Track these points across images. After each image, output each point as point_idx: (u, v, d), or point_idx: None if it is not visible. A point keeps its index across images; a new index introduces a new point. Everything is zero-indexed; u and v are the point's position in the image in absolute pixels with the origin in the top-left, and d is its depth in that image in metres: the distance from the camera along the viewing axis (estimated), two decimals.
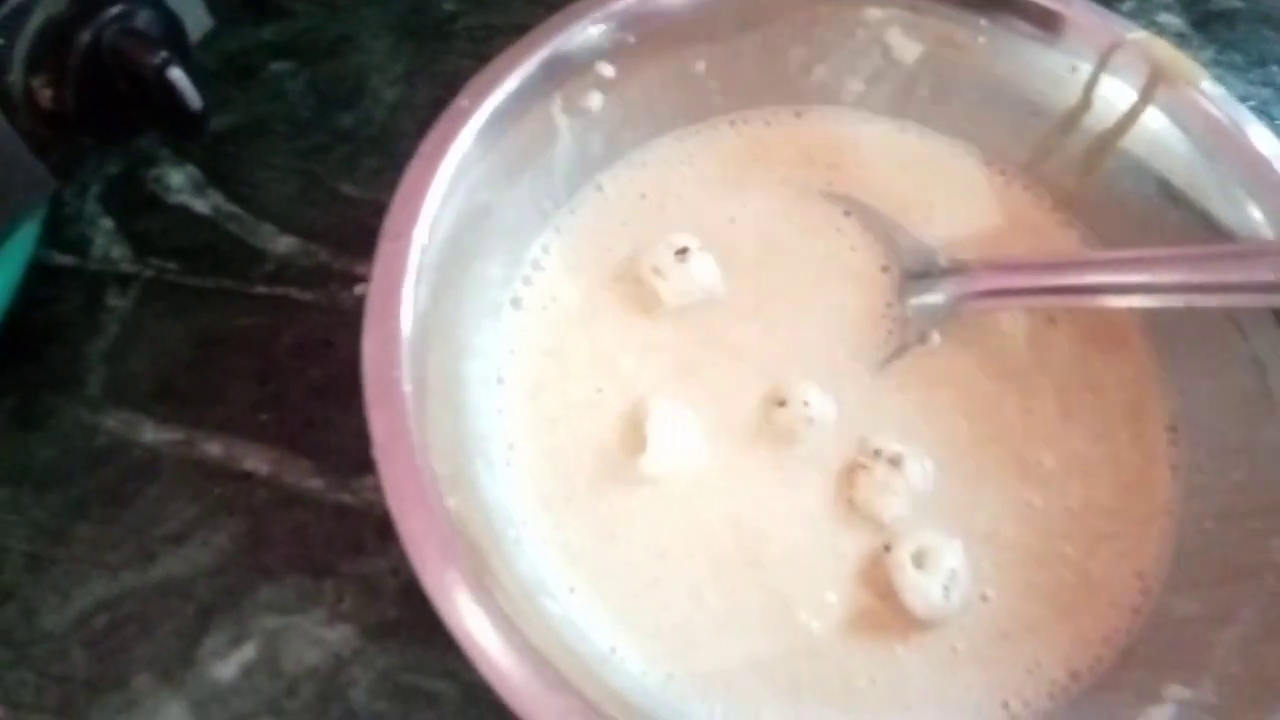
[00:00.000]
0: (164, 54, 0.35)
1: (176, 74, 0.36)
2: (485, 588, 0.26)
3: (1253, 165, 0.34)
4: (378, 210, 0.44)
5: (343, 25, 0.51)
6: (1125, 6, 0.52)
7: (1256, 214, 0.34)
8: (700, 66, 0.40)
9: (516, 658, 0.26)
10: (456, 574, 0.26)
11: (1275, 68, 0.50)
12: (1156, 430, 0.36)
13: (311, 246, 0.44)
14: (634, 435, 0.35)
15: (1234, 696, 0.27)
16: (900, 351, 0.37)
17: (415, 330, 0.30)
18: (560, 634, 0.30)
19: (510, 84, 0.34)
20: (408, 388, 0.28)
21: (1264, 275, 0.32)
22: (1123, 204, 0.38)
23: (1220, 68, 0.50)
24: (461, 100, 0.34)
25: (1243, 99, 0.49)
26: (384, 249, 0.30)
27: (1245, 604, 0.30)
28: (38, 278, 0.41)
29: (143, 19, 0.36)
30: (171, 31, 0.38)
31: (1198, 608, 0.31)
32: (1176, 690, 0.28)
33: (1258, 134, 0.35)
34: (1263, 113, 0.48)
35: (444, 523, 0.27)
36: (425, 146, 0.33)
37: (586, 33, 0.36)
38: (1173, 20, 0.52)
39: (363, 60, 0.50)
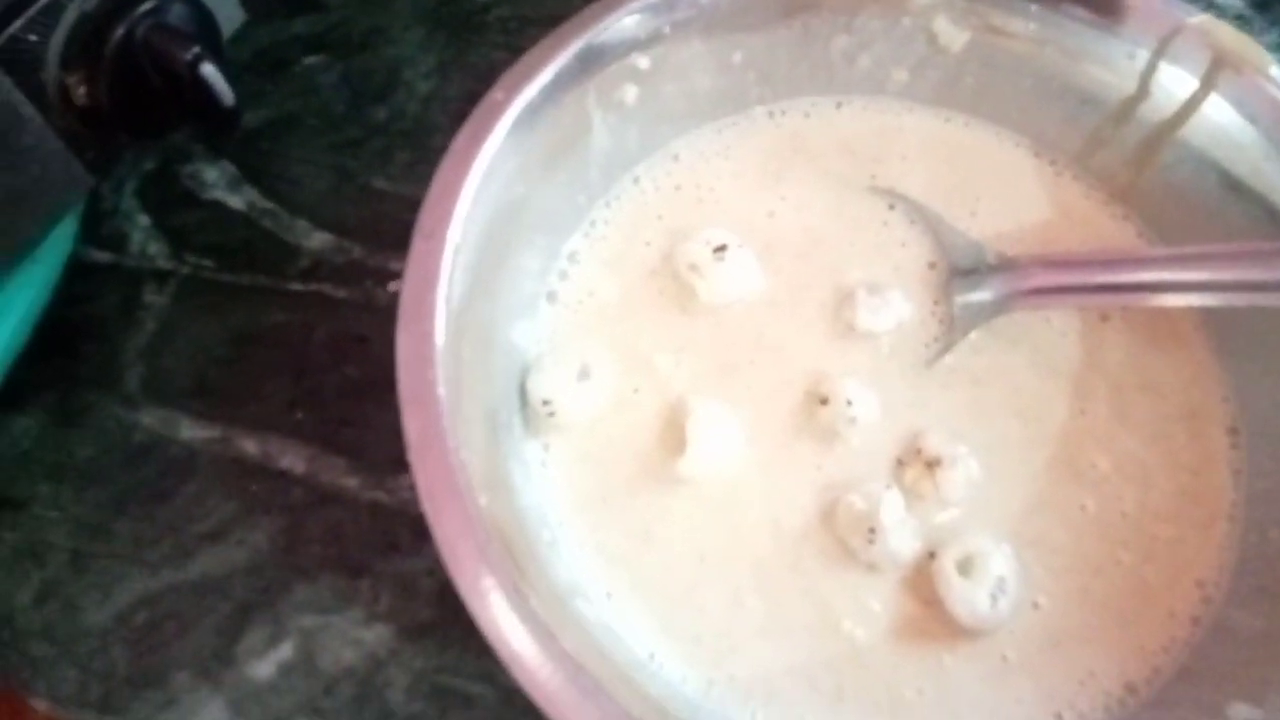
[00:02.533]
0: (196, 50, 0.35)
1: (209, 70, 0.35)
2: (520, 592, 0.26)
3: None
4: (412, 205, 0.44)
5: (374, 18, 0.50)
6: None
7: None
8: (737, 57, 0.39)
9: (551, 663, 0.25)
10: (491, 578, 0.25)
11: None
12: (1217, 433, 0.35)
13: (345, 243, 0.43)
14: (672, 435, 0.34)
15: None
16: (946, 349, 0.36)
17: (449, 329, 0.30)
18: (597, 639, 0.29)
19: (544, 77, 0.34)
20: (442, 390, 0.28)
21: None
22: (1182, 197, 0.37)
23: None
24: (495, 93, 0.33)
25: None
26: (417, 247, 0.30)
27: None
28: (76, 275, 0.41)
29: (175, 14, 0.36)
30: (204, 27, 0.37)
31: (1263, 621, 0.30)
32: (1241, 709, 0.27)
33: None
34: None
35: (478, 525, 0.26)
36: (458, 142, 0.32)
37: (621, 24, 0.36)
38: (1233, 2, 0.50)
39: (395, 53, 0.49)
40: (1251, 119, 0.34)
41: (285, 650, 0.35)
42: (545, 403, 0.34)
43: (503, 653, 0.25)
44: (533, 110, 0.34)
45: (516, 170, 0.34)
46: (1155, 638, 0.31)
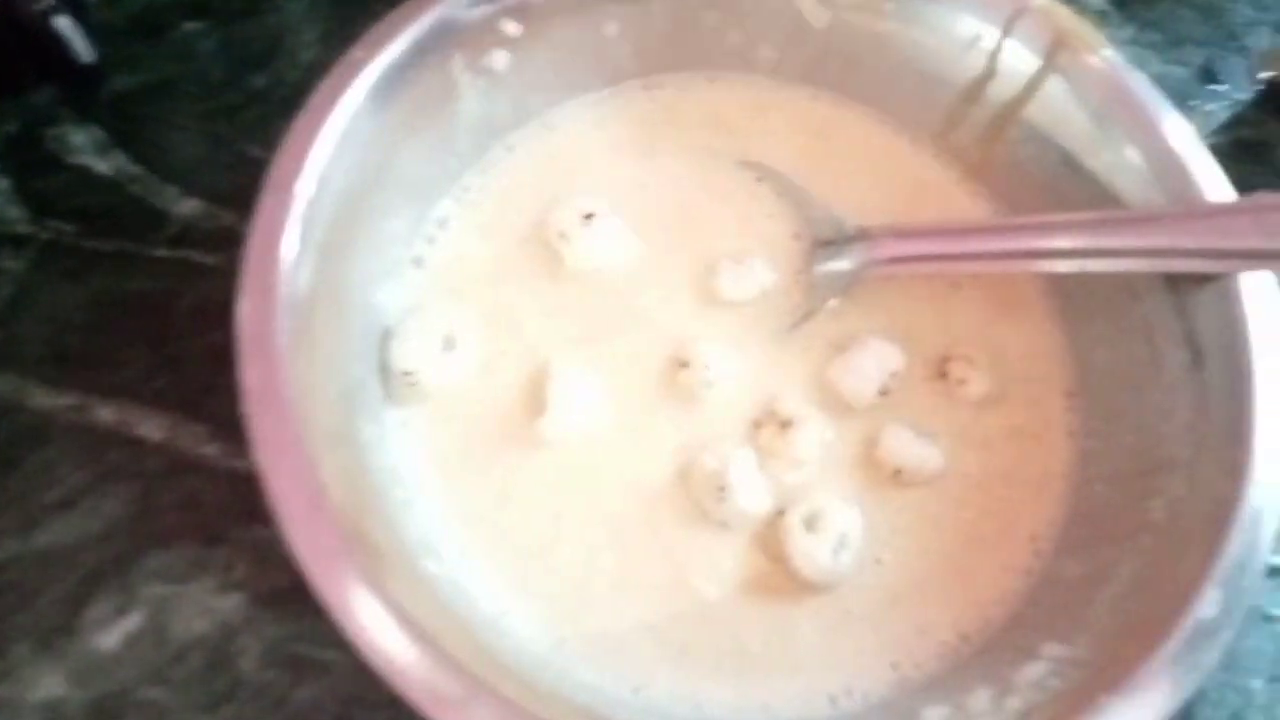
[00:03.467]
0: (49, 2, 0.34)
1: (63, 23, 0.35)
2: (357, 548, 0.26)
3: (1145, 131, 0.35)
4: None
5: None
6: None
7: (1149, 179, 0.34)
8: (612, 29, 0.39)
9: (389, 623, 0.25)
10: (325, 531, 0.25)
11: (1191, 48, 0.51)
12: (1055, 395, 0.36)
13: (216, 209, 0.42)
14: (535, 398, 0.35)
15: (1104, 651, 0.27)
16: (807, 317, 0.37)
17: (301, 285, 0.29)
18: (443, 598, 0.29)
19: (406, 38, 0.34)
20: (282, 340, 0.27)
21: (1156, 240, 0.32)
22: (1028, 172, 0.38)
23: (1139, 46, 0.51)
24: (355, 51, 0.33)
25: (1160, 77, 0.50)
26: (265, 201, 0.30)
27: (1122, 563, 0.30)
28: None
29: None
30: None
31: (1083, 569, 0.32)
32: (1053, 648, 0.28)
33: (1151, 100, 0.35)
34: (1178, 92, 0.49)
35: (314, 479, 0.26)
36: (314, 98, 0.32)
37: None
38: (1093, 0, 0.52)
39: (278, 21, 0.48)
40: (1085, 100, 0.36)
41: (133, 620, 0.34)
42: (407, 373, 0.34)
43: (332, 607, 0.25)
44: (395, 70, 0.34)
45: (378, 131, 0.33)
46: (989, 589, 0.33)
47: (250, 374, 0.27)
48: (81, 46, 0.35)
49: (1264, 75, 0.48)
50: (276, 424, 0.26)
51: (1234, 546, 0.27)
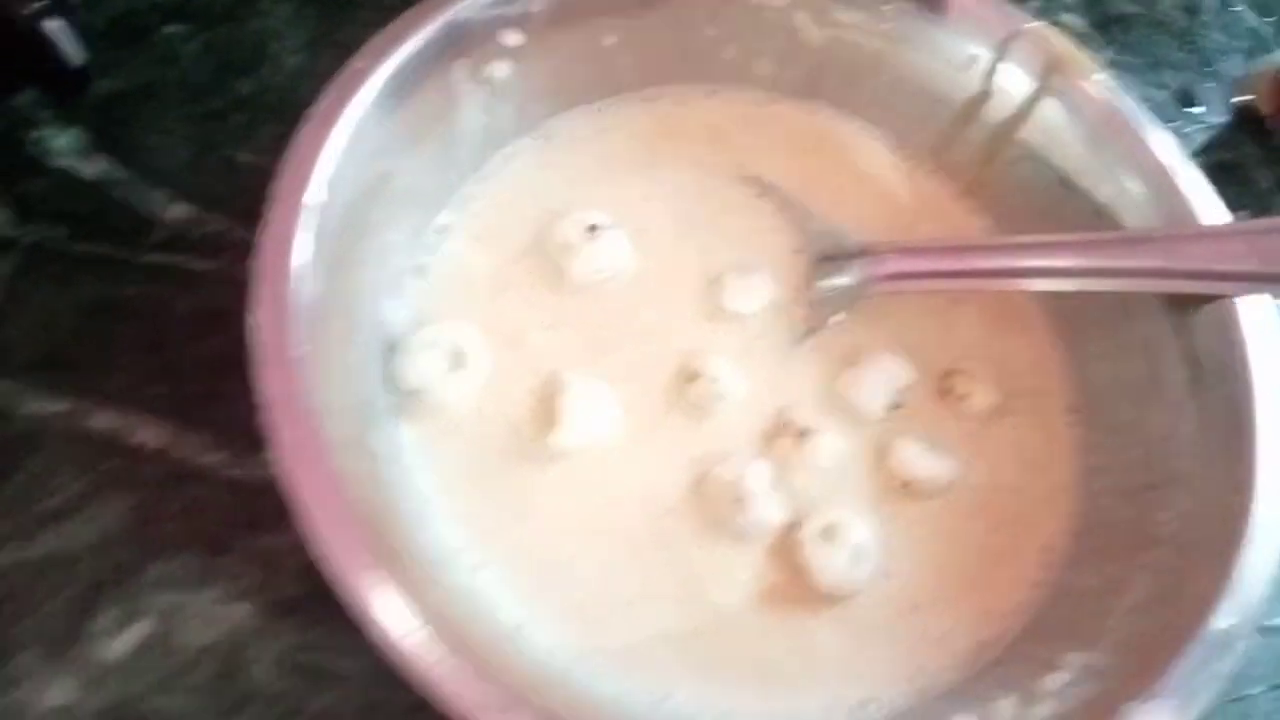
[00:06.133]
0: (40, 4, 0.33)
1: (54, 25, 0.34)
2: (382, 556, 0.25)
3: (1138, 154, 0.36)
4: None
5: None
6: (1030, 6, 0.54)
7: (1144, 201, 0.35)
8: (611, 40, 0.39)
9: (418, 631, 0.25)
10: (357, 543, 0.25)
11: (1169, 72, 0.52)
12: (1058, 411, 0.37)
13: (206, 215, 0.42)
14: (545, 411, 0.34)
15: (1126, 658, 0.28)
16: (812, 332, 0.37)
17: (311, 296, 0.29)
18: (463, 610, 0.29)
19: (409, 48, 0.33)
20: (300, 350, 0.27)
21: (1150, 261, 0.33)
22: (1024, 192, 0.39)
23: (1118, 69, 0.52)
24: (357, 62, 0.33)
25: (1138, 101, 0.52)
26: (275, 210, 0.29)
27: (1137, 575, 0.31)
28: None
29: None
30: None
31: (1096, 580, 0.32)
32: (1075, 657, 0.29)
33: (1143, 123, 0.36)
34: (1157, 114, 0.50)
35: (341, 491, 0.26)
36: (319, 107, 0.32)
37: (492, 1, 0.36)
38: (1075, 21, 0.54)
39: (263, 26, 0.48)
40: (1078, 121, 0.37)
41: (141, 628, 0.33)
42: (414, 392, 0.34)
43: (359, 613, 0.25)
44: (397, 81, 0.33)
45: (382, 141, 0.33)
46: (1003, 600, 0.33)
47: (270, 384, 0.26)
48: (72, 49, 0.34)
49: (1238, 100, 0.50)
50: (300, 434, 0.26)
51: (1245, 560, 0.28)
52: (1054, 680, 0.28)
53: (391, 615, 0.25)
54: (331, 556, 0.25)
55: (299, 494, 0.25)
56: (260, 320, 0.28)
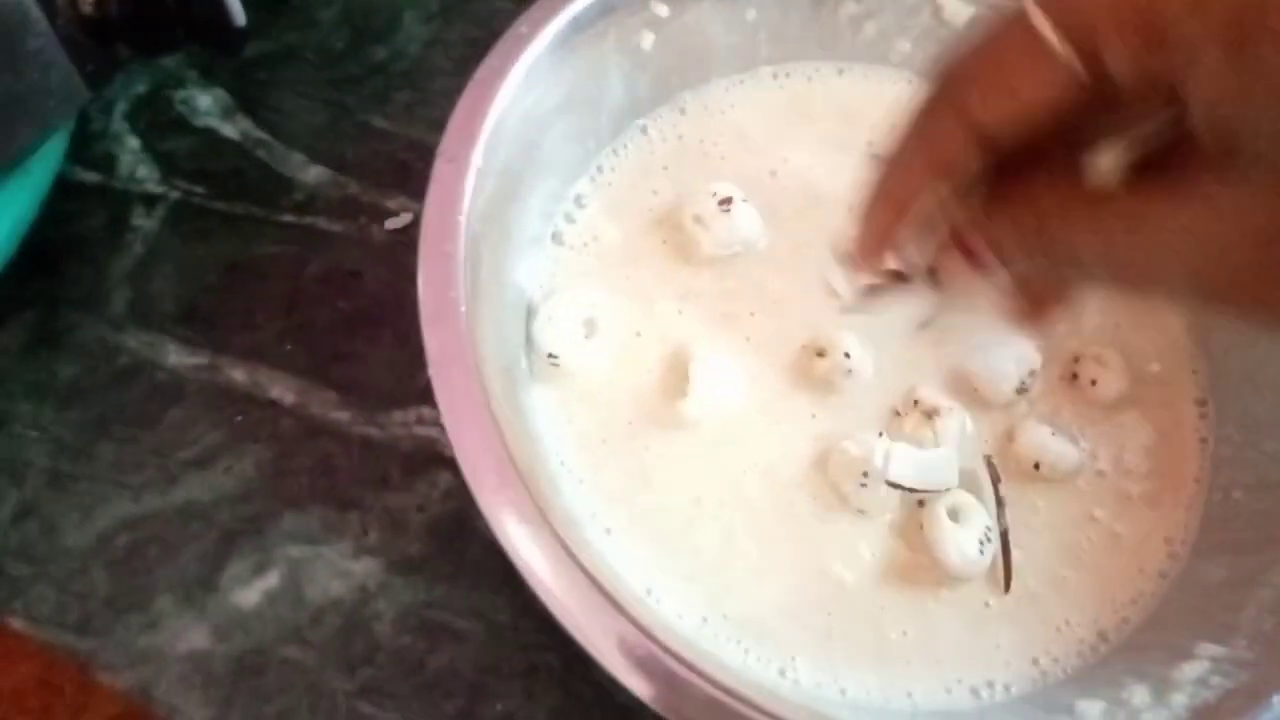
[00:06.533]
0: None
1: None
2: (538, 509, 0.26)
3: None
4: (409, 145, 0.44)
5: None
6: None
7: None
8: (751, 14, 0.39)
9: (569, 578, 0.25)
10: (511, 492, 0.26)
11: None
12: (1186, 402, 0.36)
13: (341, 178, 0.43)
14: (673, 379, 0.35)
15: (1267, 651, 0.28)
16: (938, 315, 0.37)
17: (468, 253, 0.30)
18: (598, 567, 0.30)
19: (567, 14, 0.34)
20: (464, 307, 0.28)
21: None
22: None
23: None
24: (520, 27, 0.33)
25: None
26: (440, 169, 0.30)
27: (1272, 569, 0.30)
28: (63, 194, 0.40)
29: None
30: None
31: (1226, 573, 0.32)
32: (1209, 648, 0.29)
33: None
34: None
35: (498, 443, 0.26)
36: (482, 71, 0.32)
37: None
38: None
39: None
40: None
41: (271, 579, 0.35)
42: (551, 355, 0.35)
43: (520, 564, 0.26)
44: (554, 48, 0.34)
45: (532, 108, 0.34)
46: (1125, 590, 0.33)
47: (434, 337, 0.27)
48: (237, 9, 0.35)
49: None
50: (461, 386, 0.27)
51: None
52: (1190, 669, 0.28)
53: (561, 574, 0.26)
54: (492, 502, 0.26)
55: (462, 448, 0.26)
56: (426, 277, 0.28)
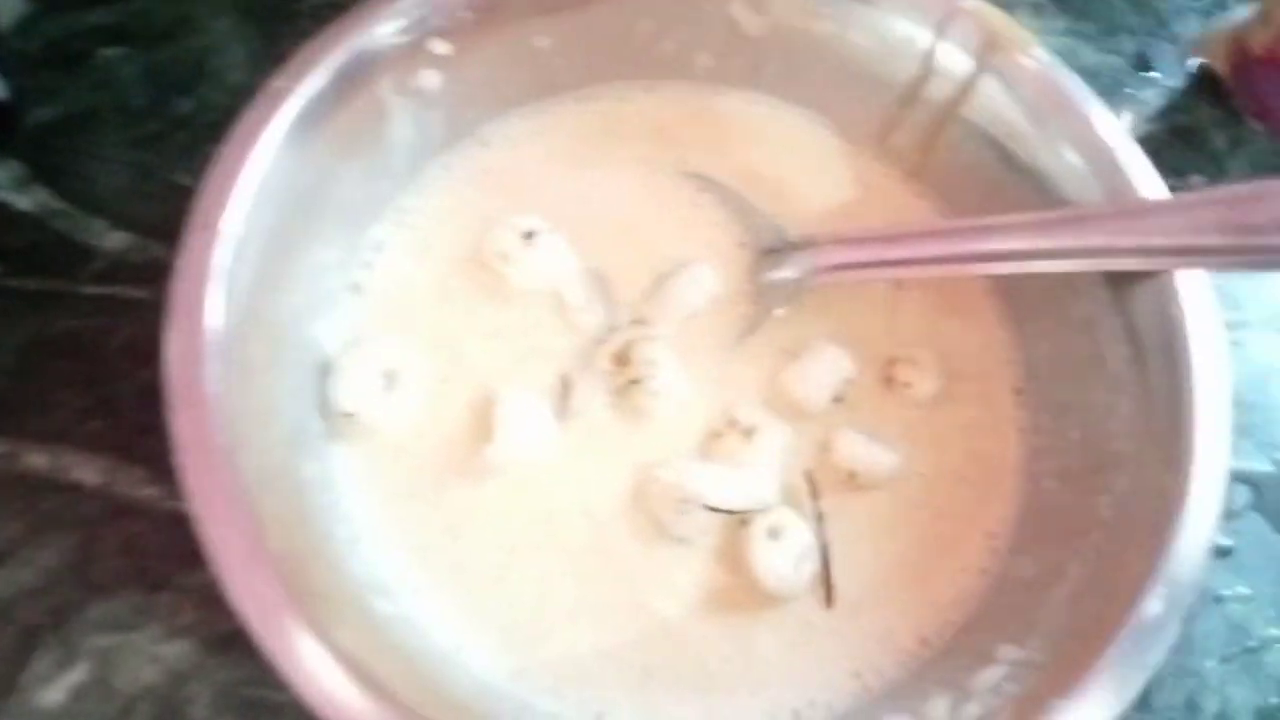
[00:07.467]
0: None
1: None
2: (301, 595, 0.25)
3: (1077, 128, 0.35)
4: None
5: (179, 7, 0.48)
6: None
7: (1084, 175, 0.34)
8: (544, 42, 0.39)
9: (336, 671, 0.24)
10: (266, 581, 0.25)
11: (1125, 36, 0.51)
12: (1004, 393, 0.36)
13: (145, 241, 0.41)
14: (482, 425, 0.34)
15: (1056, 653, 0.27)
16: (755, 327, 0.37)
17: (230, 326, 0.28)
18: (395, 637, 0.29)
19: (329, 65, 0.33)
20: (213, 385, 0.27)
21: (1093, 240, 0.32)
22: (968, 173, 0.38)
23: (1073, 37, 0.51)
24: (276, 81, 0.32)
25: (1094, 68, 0.51)
26: (191, 240, 0.29)
27: (1074, 561, 0.30)
28: None
29: None
30: None
31: (1036, 568, 0.32)
32: (1008, 650, 0.28)
33: (1082, 98, 0.35)
34: (1114, 81, 0.49)
35: (251, 528, 0.25)
36: (236, 132, 0.31)
37: (416, 11, 0.35)
38: None
39: (201, 43, 0.47)
40: (1019, 100, 0.36)
41: (78, 673, 0.33)
42: (347, 415, 0.33)
43: (272, 657, 0.24)
44: (321, 98, 0.33)
45: (306, 160, 0.33)
46: (947, 590, 0.33)
47: (180, 422, 0.26)
48: None
49: (1194, 61, 0.49)
50: (209, 473, 0.26)
51: (1177, 543, 0.27)
52: (988, 676, 0.28)
53: (303, 654, 0.25)
54: (242, 598, 0.24)
55: (209, 533, 0.25)
56: (173, 356, 0.27)
